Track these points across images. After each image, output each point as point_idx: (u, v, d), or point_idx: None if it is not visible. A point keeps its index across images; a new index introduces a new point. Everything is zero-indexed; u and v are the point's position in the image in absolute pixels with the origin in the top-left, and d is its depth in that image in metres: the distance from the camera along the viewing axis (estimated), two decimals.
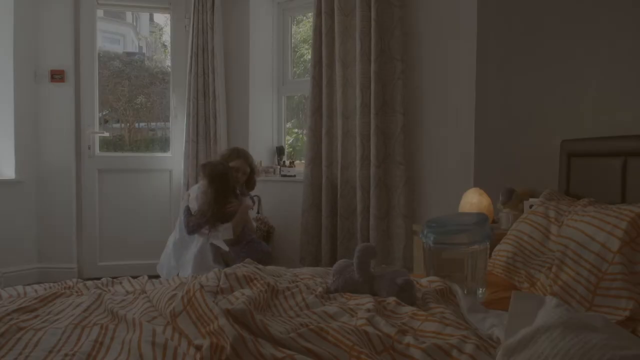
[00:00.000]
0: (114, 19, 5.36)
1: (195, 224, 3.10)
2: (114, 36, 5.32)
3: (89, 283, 1.81)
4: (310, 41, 3.53)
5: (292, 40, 4.12)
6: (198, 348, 1.11)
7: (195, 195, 3.21)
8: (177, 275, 3.05)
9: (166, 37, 4.70)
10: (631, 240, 1.44)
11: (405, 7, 3.02)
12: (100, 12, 4.21)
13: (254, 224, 3.42)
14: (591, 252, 1.50)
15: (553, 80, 2.59)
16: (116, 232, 4.04)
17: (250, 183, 3.37)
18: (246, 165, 3.29)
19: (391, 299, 1.45)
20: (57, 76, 3.84)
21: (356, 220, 3.19)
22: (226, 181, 3.11)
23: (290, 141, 4.25)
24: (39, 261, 3.89)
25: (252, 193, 3.70)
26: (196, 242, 3.13)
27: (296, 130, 4.31)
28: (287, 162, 3.94)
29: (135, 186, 4.10)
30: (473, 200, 2.48)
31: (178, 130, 4.15)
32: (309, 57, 3.52)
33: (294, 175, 3.75)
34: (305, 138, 3.60)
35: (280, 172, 3.86)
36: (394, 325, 1.23)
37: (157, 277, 1.98)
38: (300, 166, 3.79)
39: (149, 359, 1.07)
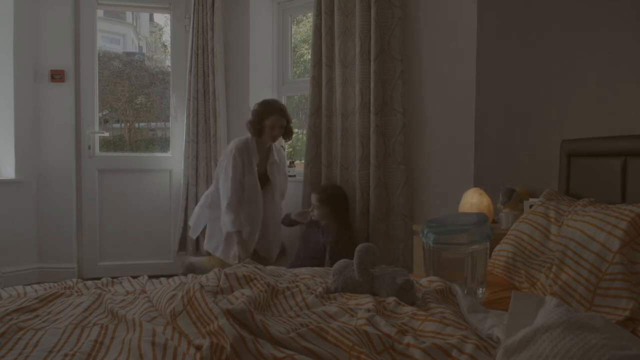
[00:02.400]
0: (114, 19, 5.36)
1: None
2: (114, 36, 5.33)
3: (89, 283, 1.81)
4: (310, 41, 3.53)
5: (292, 40, 4.12)
6: (198, 348, 1.11)
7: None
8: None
9: (166, 37, 4.70)
10: (631, 240, 1.44)
11: (405, 7, 3.02)
12: (100, 12, 4.20)
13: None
14: (591, 252, 1.50)
15: (553, 80, 2.59)
16: (116, 232, 4.04)
17: (287, 134, 3.28)
18: (282, 119, 3.17)
19: (391, 299, 1.45)
20: (57, 76, 3.84)
21: (356, 220, 3.19)
22: (344, 206, 3.20)
23: (290, 141, 4.24)
24: (39, 261, 3.88)
25: None
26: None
27: (296, 130, 4.31)
28: (287, 162, 3.94)
29: (135, 186, 4.10)
30: (473, 200, 2.48)
31: (178, 130, 4.15)
32: (309, 57, 3.52)
33: (294, 175, 3.75)
34: (305, 138, 3.60)
35: None
36: (394, 325, 1.23)
37: (157, 277, 1.98)
38: (300, 166, 3.79)
39: (149, 359, 1.07)
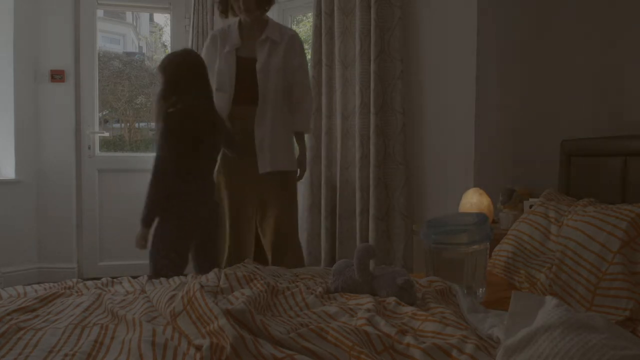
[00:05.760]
0: (114, 19, 5.37)
1: None
2: (114, 36, 5.33)
3: (89, 283, 1.81)
4: (310, 41, 3.53)
5: None
6: (198, 348, 1.11)
7: None
8: None
9: (166, 37, 4.70)
10: (631, 240, 1.44)
11: (405, 7, 3.02)
12: (100, 12, 4.20)
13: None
14: (591, 252, 1.50)
15: (553, 79, 2.59)
16: (116, 232, 4.03)
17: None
18: None
19: (391, 299, 1.45)
20: (57, 76, 3.84)
21: (356, 220, 3.19)
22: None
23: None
24: (39, 261, 3.88)
25: None
26: None
27: None
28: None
29: (135, 186, 4.08)
30: (473, 200, 2.48)
31: None
32: (309, 57, 3.51)
33: None
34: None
35: None
36: (394, 325, 1.23)
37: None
38: None
39: (149, 359, 1.07)
